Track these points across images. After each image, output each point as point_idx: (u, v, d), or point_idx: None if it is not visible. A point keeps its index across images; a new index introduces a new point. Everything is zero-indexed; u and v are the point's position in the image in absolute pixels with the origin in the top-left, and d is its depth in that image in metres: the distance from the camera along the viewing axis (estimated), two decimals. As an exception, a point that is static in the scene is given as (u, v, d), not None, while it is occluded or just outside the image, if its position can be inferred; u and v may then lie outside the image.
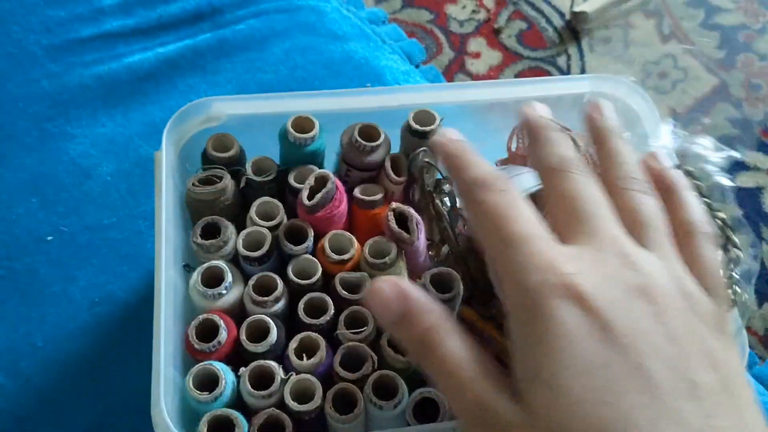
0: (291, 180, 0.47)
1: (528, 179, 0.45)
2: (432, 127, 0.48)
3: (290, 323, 0.44)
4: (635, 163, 0.32)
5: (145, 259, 0.59)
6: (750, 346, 0.58)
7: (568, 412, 0.24)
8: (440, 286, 0.44)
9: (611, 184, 0.31)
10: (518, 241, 0.27)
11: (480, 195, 0.29)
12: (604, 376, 0.25)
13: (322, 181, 0.45)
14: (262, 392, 0.40)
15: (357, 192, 0.47)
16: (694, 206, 0.32)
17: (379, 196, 0.47)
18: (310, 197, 0.44)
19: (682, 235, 0.31)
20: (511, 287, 0.27)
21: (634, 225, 0.29)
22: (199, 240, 0.44)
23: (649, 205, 0.30)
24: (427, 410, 0.41)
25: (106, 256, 0.58)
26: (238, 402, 0.41)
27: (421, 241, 0.46)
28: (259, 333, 0.42)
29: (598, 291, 0.26)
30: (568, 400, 0.25)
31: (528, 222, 0.28)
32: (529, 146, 0.34)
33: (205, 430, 0.38)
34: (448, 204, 0.49)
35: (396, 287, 0.29)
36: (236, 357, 0.42)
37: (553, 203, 0.30)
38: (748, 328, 0.58)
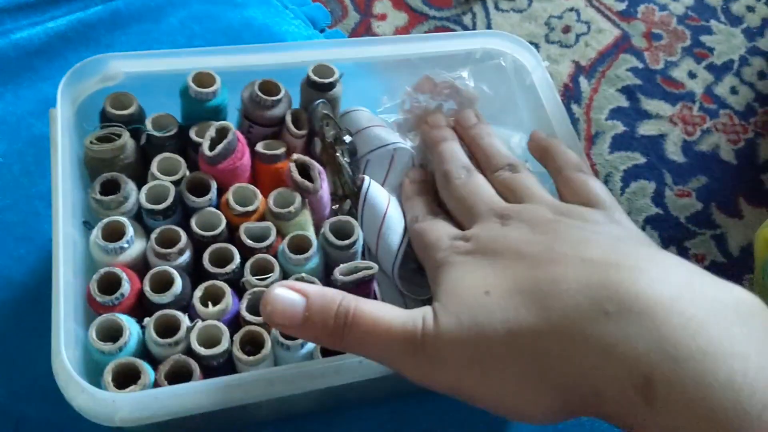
0: (192, 135, 0.50)
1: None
2: (331, 79, 0.52)
3: (196, 275, 0.47)
4: (499, 154, 0.49)
5: (43, 240, 0.60)
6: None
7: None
8: (340, 233, 0.48)
9: (487, 172, 0.48)
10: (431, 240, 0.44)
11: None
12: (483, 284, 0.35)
13: (222, 133, 0.48)
14: (168, 340, 0.43)
15: (259, 147, 0.51)
16: (563, 154, 0.48)
17: (281, 150, 0.51)
18: (212, 148, 0.48)
19: (559, 173, 0.46)
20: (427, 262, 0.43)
21: (507, 194, 0.45)
22: (98, 196, 0.47)
23: (514, 179, 0.46)
24: (335, 351, 0.45)
25: (3, 239, 0.60)
26: (144, 352, 0.44)
27: (325, 189, 0.50)
28: (163, 284, 0.45)
29: (480, 243, 0.39)
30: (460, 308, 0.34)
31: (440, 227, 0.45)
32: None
33: (110, 378, 0.41)
34: (348, 158, 0.54)
35: (292, 289, 0.36)
36: (141, 309, 0.45)
37: (449, 204, 0.47)
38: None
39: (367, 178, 0.51)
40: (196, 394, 0.40)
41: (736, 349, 0.26)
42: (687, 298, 0.28)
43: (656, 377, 0.26)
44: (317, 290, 0.35)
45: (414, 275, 0.51)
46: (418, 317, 0.34)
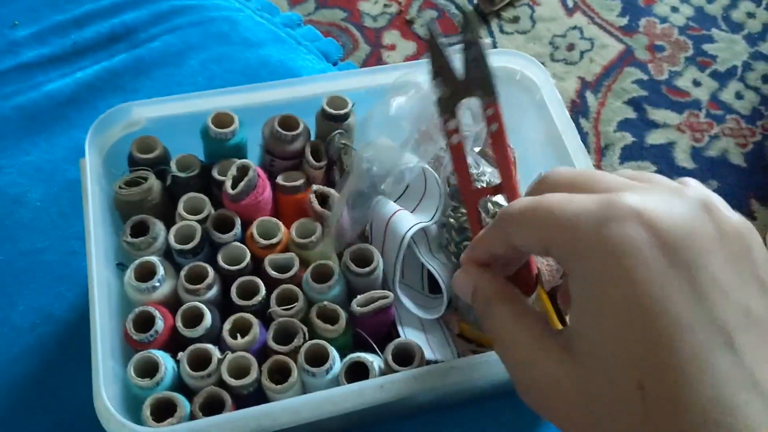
0: (215, 173, 0.51)
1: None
2: (345, 110, 0.53)
3: (224, 308, 0.48)
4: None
5: (80, 277, 0.62)
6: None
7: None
8: (360, 260, 0.48)
9: None
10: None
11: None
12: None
13: (243, 171, 0.49)
14: (201, 373, 0.43)
15: (280, 179, 0.52)
16: None
17: (300, 182, 0.52)
18: (234, 186, 0.48)
19: None
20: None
21: None
22: (129, 239, 0.48)
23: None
24: (359, 374, 0.45)
25: (43, 278, 0.61)
26: (179, 385, 0.44)
27: (345, 218, 0.50)
28: (194, 319, 0.45)
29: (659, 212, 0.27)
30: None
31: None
32: None
33: (149, 413, 0.41)
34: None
35: (465, 276, 0.35)
36: (175, 344, 0.46)
37: None
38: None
39: (380, 196, 0.52)
40: (228, 424, 0.40)
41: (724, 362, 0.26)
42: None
43: (648, 383, 0.26)
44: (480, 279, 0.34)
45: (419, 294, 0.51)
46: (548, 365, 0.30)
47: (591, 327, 0.28)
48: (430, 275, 0.51)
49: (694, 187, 0.29)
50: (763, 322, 0.27)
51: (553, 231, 0.29)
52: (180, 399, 0.42)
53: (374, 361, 0.45)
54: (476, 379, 0.44)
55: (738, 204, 0.67)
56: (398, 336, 0.49)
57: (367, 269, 0.48)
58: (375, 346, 0.48)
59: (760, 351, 0.26)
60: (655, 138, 0.72)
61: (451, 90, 0.38)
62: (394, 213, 0.50)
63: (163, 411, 0.42)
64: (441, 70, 0.38)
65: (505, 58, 0.57)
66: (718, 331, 0.26)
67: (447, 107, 0.38)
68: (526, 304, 0.34)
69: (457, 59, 0.38)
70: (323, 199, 0.50)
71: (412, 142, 0.56)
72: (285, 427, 0.41)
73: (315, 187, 0.50)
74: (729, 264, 0.27)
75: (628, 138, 0.71)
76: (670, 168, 0.70)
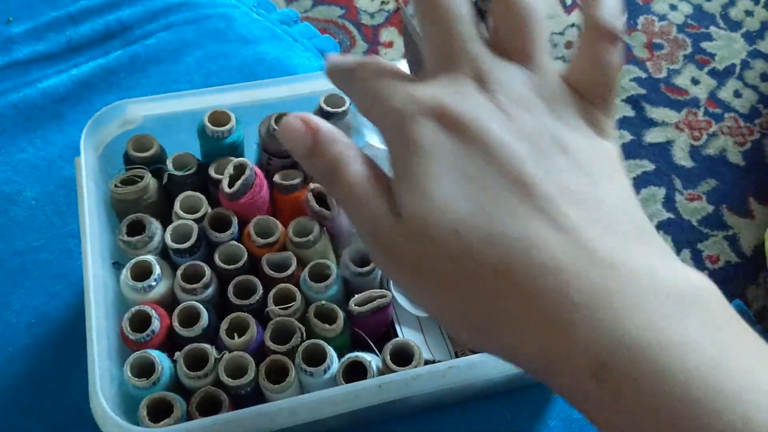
0: (211, 172, 0.51)
1: None
2: (343, 108, 0.53)
3: (221, 307, 0.48)
4: None
5: (76, 276, 0.61)
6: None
7: (432, 214, 0.27)
8: (359, 260, 0.48)
9: None
10: (383, 85, 0.30)
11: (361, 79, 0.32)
12: (474, 184, 0.27)
13: (240, 169, 0.49)
14: (197, 372, 0.43)
15: (277, 178, 0.51)
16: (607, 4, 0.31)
17: (297, 180, 0.51)
18: (231, 185, 0.48)
19: (587, 34, 0.31)
20: (377, 114, 0.30)
21: (507, 36, 0.31)
22: (126, 237, 0.48)
23: (526, 8, 0.30)
24: (357, 374, 0.45)
25: (38, 277, 0.61)
26: (176, 385, 0.44)
27: (342, 216, 0.50)
28: (190, 318, 0.45)
29: (454, 106, 0.28)
30: (432, 204, 0.27)
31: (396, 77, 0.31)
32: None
33: (145, 413, 0.41)
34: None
35: (306, 122, 0.31)
36: (171, 344, 0.45)
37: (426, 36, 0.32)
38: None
39: None
40: (225, 425, 0.40)
41: (691, 342, 0.25)
42: (647, 289, 0.27)
43: (611, 364, 0.26)
44: (325, 130, 0.31)
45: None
46: (386, 222, 0.29)
47: (407, 200, 0.28)
48: None
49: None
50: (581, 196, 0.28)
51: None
52: (176, 399, 0.42)
53: (372, 360, 0.45)
54: (475, 379, 0.44)
55: (736, 203, 0.67)
56: (396, 336, 0.49)
57: (365, 269, 0.47)
58: (373, 345, 0.48)
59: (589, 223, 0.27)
60: (653, 136, 0.71)
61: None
62: None
63: (160, 411, 0.42)
64: (415, 60, 0.37)
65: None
66: (545, 208, 0.27)
67: None
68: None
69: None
70: (321, 198, 0.50)
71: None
72: (283, 427, 0.40)
73: (312, 185, 0.50)
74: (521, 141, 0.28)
75: (627, 136, 0.71)
76: (668, 166, 0.70)
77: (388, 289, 0.49)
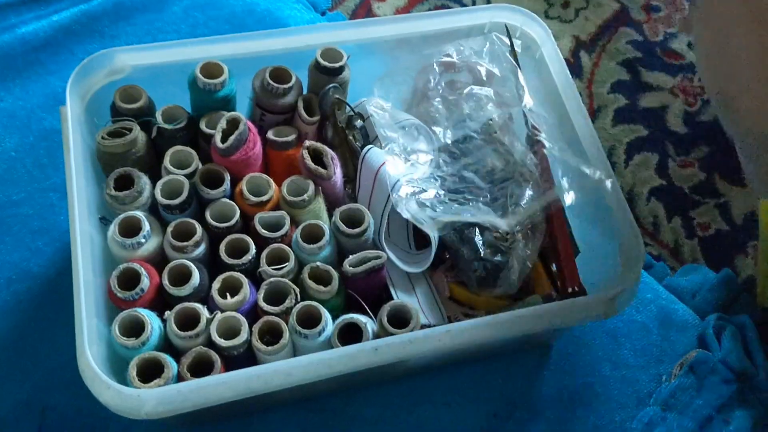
0: (203, 126, 0.49)
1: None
2: (341, 63, 0.51)
3: (213, 266, 0.46)
4: None
5: (59, 231, 0.59)
6: (661, 258, 0.63)
7: None
8: (351, 221, 0.47)
9: None
10: None
11: None
12: None
13: (234, 124, 0.47)
14: (189, 333, 0.42)
15: (270, 134, 0.50)
16: None
17: (292, 137, 0.50)
18: (224, 140, 0.46)
19: None
20: None
21: None
22: (113, 192, 0.46)
23: None
24: (352, 336, 0.44)
25: (19, 232, 0.59)
26: (166, 345, 0.43)
27: (338, 175, 0.49)
28: (181, 277, 0.44)
29: None
30: None
31: None
32: None
33: (135, 373, 0.40)
34: (361, 140, 0.52)
35: None
36: (161, 303, 0.44)
37: None
38: (660, 241, 0.63)
39: (370, 146, 0.50)
40: (217, 386, 0.39)
41: None
42: None
43: None
44: None
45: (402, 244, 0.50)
46: None
47: None
48: (416, 231, 0.50)
49: None
50: None
51: None
52: (167, 359, 0.41)
53: (367, 323, 0.44)
54: (470, 343, 0.43)
55: (729, 171, 0.67)
56: (391, 299, 0.48)
57: (357, 230, 0.46)
58: (367, 307, 0.47)
59: None
60: (648, 101, 0.70)
61: None
62: (383, 163, 0.48)
63: (150, 372, 0.40)
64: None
65: (505, 14, 0.55)
66: None
67: None
68: None
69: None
70: (316, 156, 0.48)
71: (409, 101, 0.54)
72: (277, 389, 0.40)
73: (308, 143, 0.48)
74: None
75: (621, 100, 0.70)
76: (662, 132, 0.69)
77: (383, 250, 0.48)
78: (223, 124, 0.46)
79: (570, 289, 0.49)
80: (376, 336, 0.44)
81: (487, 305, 0.50)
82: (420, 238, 0.51)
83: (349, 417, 0.52)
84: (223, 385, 0.39)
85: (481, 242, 0.48)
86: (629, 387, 0.55)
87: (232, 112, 0.47)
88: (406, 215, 0.46)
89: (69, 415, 0.51)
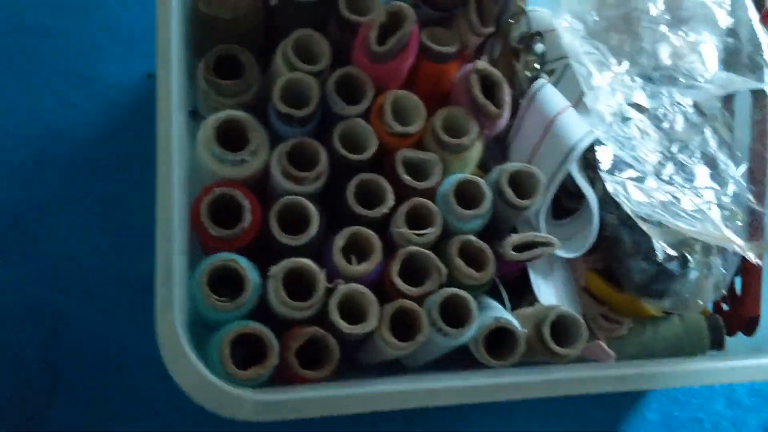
0: (342, 8, 0.35)
1: None
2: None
3: (330, 211, 0.34)
4: None
5: (102, 84, 0.47)
6: None
7: None
8: (520, 189, 0.35)
9: None
10: None
11: None
12: None
13: (396, 20, 0.33)
14: (302, 304, 0.31)
15: (424, 38, 0.36)
16: None
17: (454, 48, 0.36)
18: (381, 41, 0.33)
19: None
20: None
21: None
22: (213, 77, 0.33)
23: None
24: (501, 344, 0.33)
25: (50, 74, 0.46)
26: (259, 309, 0.32)
27: (505, 119, 0.36)
28: (295, 220, 0.32)
29: None
30: None
31: None
32: None
33: (228, 351, 0.29)
34: (535, 72, 0.40)
35: None
36: (259, 249, 0.32)
37: None
38: None
39: (543, 80, 0.38)
40: (343, 401, 0.29)
41: None
42: None
43: None
44: None
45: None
46: None
47: None
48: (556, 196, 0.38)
49: None
50: None
51: None
52: (272, 340, 0.30)
53: (519, 327, 0.34)
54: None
55: None
56: (526, 283, 0.38)
57: (527, 201, 0.34)
58: (504, 292, 0.37)
59: None
60: None
61: None
62: (563, 111, 0.37)
63: (243, 350, 0.30)
64: None
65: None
66: None
67: None
68: None
69: None
70: (485, 86, 0.35)
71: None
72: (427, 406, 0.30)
73: (480, 64, 0.35)
74: None
75: None
76: None
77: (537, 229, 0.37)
78: (382, 16, 0.33)
79: (748, 317, 0.39)
80: (530, 346, 0.34)
81: (629, 310, 0.40)
82: (557, 206, 0.40)
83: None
84: (349, 401, 0.29)
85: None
86: (737, 430, 0.48)
87: (395, 2, 0.33)
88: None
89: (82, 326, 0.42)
